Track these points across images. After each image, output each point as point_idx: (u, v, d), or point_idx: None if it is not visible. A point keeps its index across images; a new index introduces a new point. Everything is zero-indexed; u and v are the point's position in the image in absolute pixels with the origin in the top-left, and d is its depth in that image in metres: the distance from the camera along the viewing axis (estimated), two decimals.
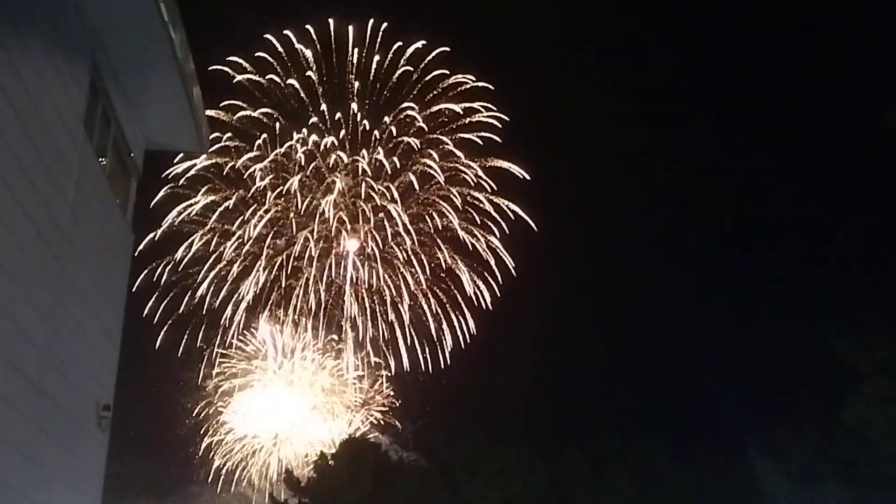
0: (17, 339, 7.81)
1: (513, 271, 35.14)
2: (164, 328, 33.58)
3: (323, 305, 34.79)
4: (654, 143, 39.88)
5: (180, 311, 33.96)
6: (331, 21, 34.45)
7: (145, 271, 32.83)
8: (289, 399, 33.79)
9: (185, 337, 33.81)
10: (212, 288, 34.15)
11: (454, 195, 35.37)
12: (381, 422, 34.70)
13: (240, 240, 34.23)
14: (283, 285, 34.75)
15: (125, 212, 11.51)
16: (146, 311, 33.20)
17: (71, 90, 9.17)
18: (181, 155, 30.00)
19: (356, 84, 34.80)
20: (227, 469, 33.85)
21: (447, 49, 35.19)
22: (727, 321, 35.73)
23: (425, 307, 35.23)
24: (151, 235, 32.54)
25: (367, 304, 35.31)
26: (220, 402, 33.82)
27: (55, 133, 8.73)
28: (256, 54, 34.24)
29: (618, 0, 40.25)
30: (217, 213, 34.25)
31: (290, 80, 34.37)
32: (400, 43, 34.96)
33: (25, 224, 7.94)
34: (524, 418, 31.12)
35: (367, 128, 35.36)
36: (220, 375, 33.89)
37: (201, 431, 33.53)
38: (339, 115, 35.10)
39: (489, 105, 35.44)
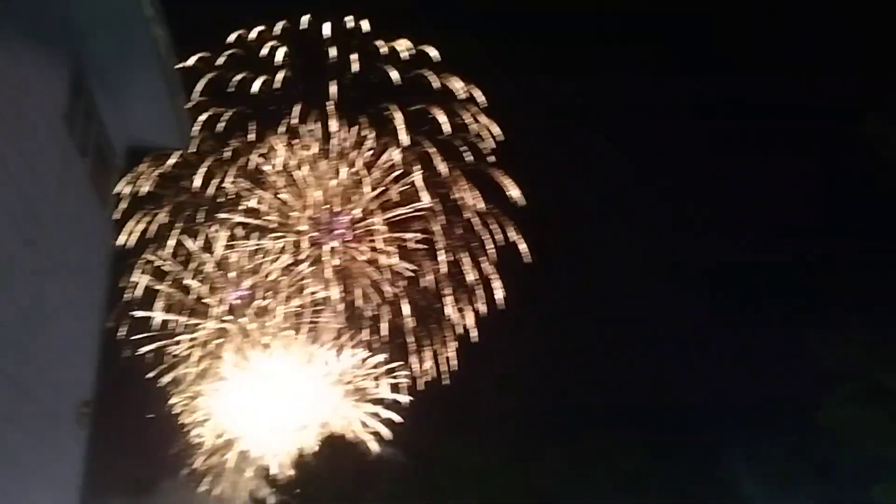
0: None
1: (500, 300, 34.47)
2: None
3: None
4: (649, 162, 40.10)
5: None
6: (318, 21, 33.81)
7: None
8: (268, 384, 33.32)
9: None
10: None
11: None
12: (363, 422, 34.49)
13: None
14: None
15: (106, 208, 11.49)
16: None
17: (53, 86, 9.15)
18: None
19: (333, 86, 34.04)
20: (205, 466, 33.73)
21: (436, 55, 34.48)
22: (704, 321, 36.03)
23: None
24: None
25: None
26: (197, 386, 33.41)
27: (37, 130, 8.70)
28: (230, 51, 33.56)
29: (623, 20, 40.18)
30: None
31: (263, 78, 33.56)
32: (383, 44, 34.35)
33: (5, 220, 7.91)
34: (504, 417, 31.15)
35: (346, 138, 34.58)
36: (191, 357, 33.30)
37: (179, 425, 33.28)
38: (316, 122, 34.32)
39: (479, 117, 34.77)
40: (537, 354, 33.18)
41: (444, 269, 34.29)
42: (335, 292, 33.68)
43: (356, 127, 34.46)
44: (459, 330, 34.72)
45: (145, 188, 32.15)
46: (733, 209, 38.90)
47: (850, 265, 30.47)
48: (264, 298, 33.58)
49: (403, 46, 34.00)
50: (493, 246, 34.57)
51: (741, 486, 26.63)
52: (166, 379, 32.78)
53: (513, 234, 34.51)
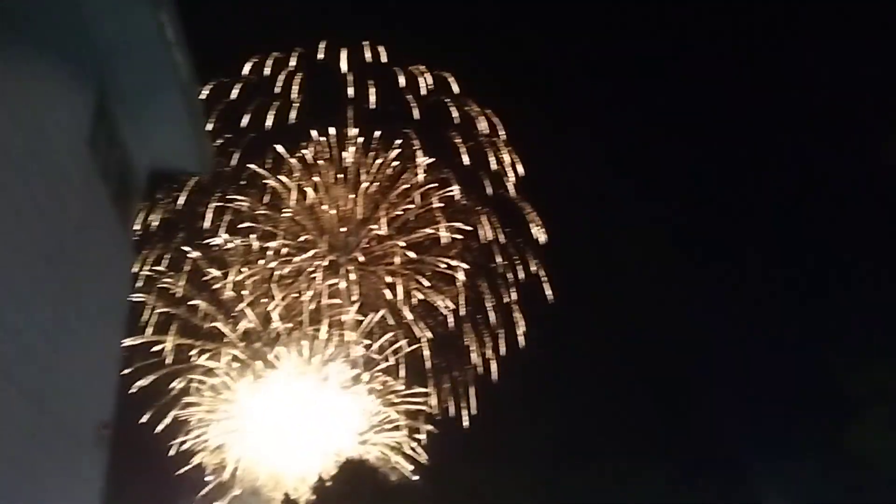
0: (18, 355, 7.92)
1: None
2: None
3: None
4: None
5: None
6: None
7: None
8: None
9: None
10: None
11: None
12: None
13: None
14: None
15: (127, 231, 11.66)
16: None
17: (77, 111, 9.35)
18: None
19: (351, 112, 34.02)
20: (223, 489, 33.66)
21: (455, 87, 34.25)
22: (729, 347, 35.65)
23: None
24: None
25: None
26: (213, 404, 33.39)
27: (61, 154, 8.89)
28: (246, 79, 33.60)
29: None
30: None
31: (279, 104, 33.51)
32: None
33: (30, 242, 8.07)
34: (524, 442, 30.97)
35: (363, 163, 34.44)
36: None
37: (196, 446, 33.21)
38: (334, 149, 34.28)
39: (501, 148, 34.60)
40: (560, 380, 32.93)
41: (463, 308, 33.86)
42: (352, 314, 33.60)
43: (374, 153, 34.53)
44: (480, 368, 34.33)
45: (162, 216, 32.27)
46: (759, 237, 38.56)
47: (877, 292, 30.21)
48: (282, 323, 33.57)
49: (421, 77, 34.02)
50: (514, 280, 34.25)
51: None
52: (183, 401, 32.76)
53: (535, 268, 34.18)
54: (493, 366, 33.31)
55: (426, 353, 33.04)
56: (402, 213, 34.33)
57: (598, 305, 35.06)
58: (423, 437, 32.96)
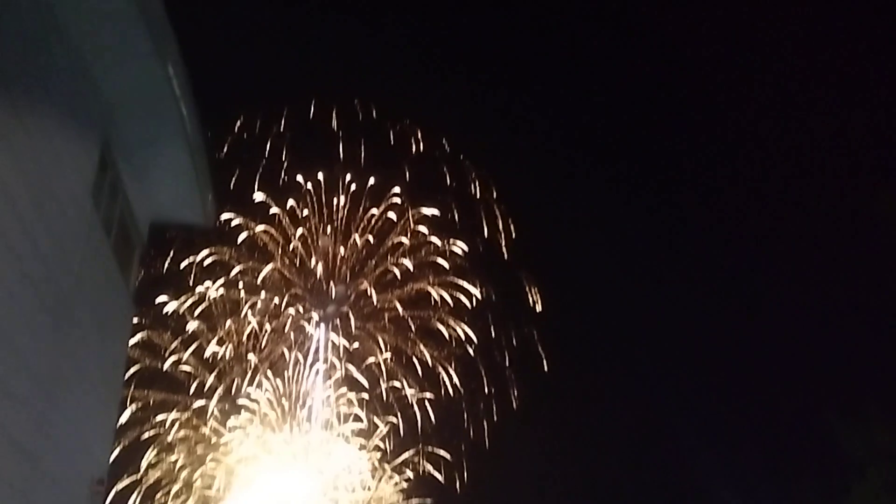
0: (13, 408, 7.73)
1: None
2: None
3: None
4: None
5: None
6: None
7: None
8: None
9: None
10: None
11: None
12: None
13: None
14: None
15: (128, 284, 11.53)
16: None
17: (81, 162, 9.30)
18: None
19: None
20: None
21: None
22: (724, 407, 35.40)
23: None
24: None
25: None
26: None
27: (64, 204, 8.81)
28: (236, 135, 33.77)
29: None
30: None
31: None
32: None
33: (30, 293, 7.94)
34: (532, 489, 30.51)
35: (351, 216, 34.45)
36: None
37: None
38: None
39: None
40: (560, 442, 32.51)
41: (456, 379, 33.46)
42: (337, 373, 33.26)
43: (362, 208, 34.53)
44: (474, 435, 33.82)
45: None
46: (759, 298, 38.53)
47: (875, 348, 30.08)
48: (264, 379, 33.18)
49: (413, 137, 34.17)
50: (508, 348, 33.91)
51: None
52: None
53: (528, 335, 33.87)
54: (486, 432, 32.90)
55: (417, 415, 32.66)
56: (391, 267, 34.29)
57: (593, 370, 34.91)
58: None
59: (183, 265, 32.05)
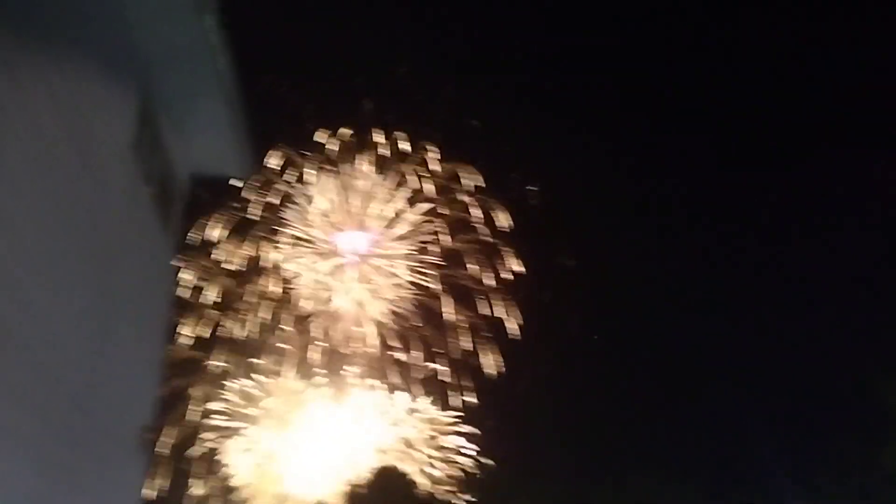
0: (63, 359, 7.91)
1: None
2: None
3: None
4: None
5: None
6: None
7: None
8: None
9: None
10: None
11: None
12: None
13: None
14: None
15: (170, 236, 11.67)
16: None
17: (121, 115, 9.37)
18: None
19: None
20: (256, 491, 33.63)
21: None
22: (766, 365, 35.13)
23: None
24: None
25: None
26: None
27: (106, 158, 8.90)
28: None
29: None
30: None
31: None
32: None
33: (75, 246, 8.07)
34: (556, 456, 30.64)
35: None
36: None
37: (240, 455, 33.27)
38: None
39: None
40: (592, 395, 32.59)
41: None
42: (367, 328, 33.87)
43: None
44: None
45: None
46: (796, 252, 38.04)
47: None
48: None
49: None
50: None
51: None
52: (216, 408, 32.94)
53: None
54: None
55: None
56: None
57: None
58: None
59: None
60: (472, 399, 33.39)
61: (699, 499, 29.03)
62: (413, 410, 33.19)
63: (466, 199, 34.49)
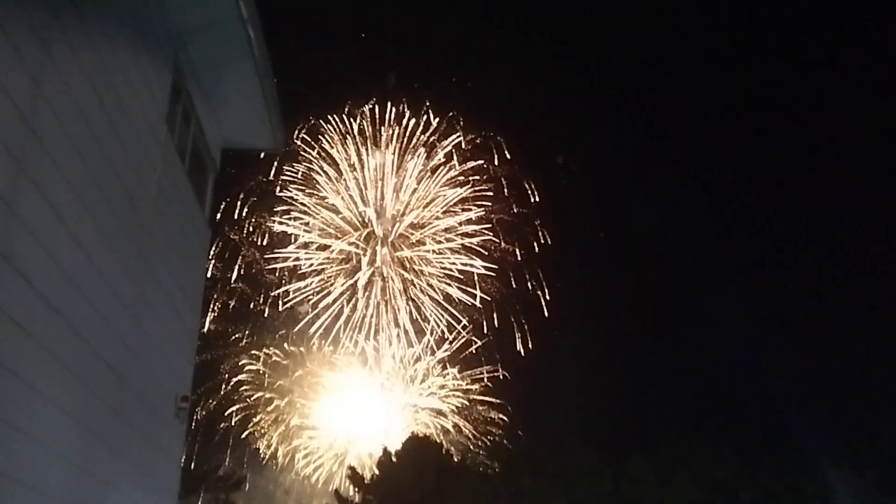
0: (102, 330, 8.05)
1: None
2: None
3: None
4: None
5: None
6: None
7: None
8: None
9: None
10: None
11: None
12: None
13: None
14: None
15: (203, 208, 11.77)
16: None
17: (154, 89, 9.42)
18: None
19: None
20: (296, 465, 34.25)
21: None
22: (802, 328, 34.89)
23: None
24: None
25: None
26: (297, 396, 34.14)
27: (140, 130, 8.97)
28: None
29: None
30: None
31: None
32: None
33: (112, 218, 8.17)
34: (588, 422, 30.82)
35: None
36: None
37: (271, 425, 33.91)
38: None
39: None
40: (625, 360, 32.64)
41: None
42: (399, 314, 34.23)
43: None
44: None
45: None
46: (832, 227, 37.52)
47: None
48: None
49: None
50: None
51: (838, 496, 25.63)
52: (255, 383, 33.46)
53: None
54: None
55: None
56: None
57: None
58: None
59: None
60: (502, 371, 33.63)
61: (729, 460, 29.00)
62: (444, 380, 33.45)
63: (494, 172, 34.58)
